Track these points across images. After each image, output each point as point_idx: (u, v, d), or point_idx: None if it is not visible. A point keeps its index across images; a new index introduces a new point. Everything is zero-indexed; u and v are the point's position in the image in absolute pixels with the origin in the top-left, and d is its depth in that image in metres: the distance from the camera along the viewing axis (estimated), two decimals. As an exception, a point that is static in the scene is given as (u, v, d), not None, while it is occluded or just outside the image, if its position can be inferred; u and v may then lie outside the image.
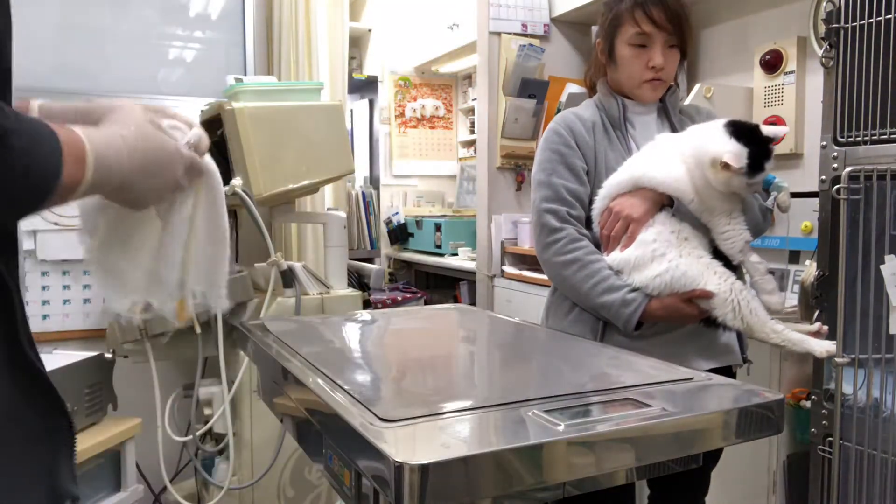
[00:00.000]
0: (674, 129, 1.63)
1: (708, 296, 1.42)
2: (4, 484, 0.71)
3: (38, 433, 0.76)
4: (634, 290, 1.45)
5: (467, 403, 0.85)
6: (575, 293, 1.53)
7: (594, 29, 2.10)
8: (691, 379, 0.99)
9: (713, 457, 1.66)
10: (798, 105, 2.44)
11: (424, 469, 0.67)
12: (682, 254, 1.44)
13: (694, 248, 1.46)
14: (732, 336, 1.63)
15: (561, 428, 0.77)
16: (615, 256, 1.48)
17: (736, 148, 1.37)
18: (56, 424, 0.78)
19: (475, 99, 4.30)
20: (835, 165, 1.47)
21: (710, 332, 1.55)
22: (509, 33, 3.15)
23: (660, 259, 1.43)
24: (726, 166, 1.36)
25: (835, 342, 1.38)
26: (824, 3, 1.49)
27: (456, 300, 4.11)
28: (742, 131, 1.40)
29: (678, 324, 1.49)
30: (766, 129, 1.42)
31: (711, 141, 1.41)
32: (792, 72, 2.43)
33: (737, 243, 1.48)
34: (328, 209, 2.96)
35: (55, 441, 0.78)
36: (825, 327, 1.43)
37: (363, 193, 4.17)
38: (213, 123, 2.24)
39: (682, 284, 1.43)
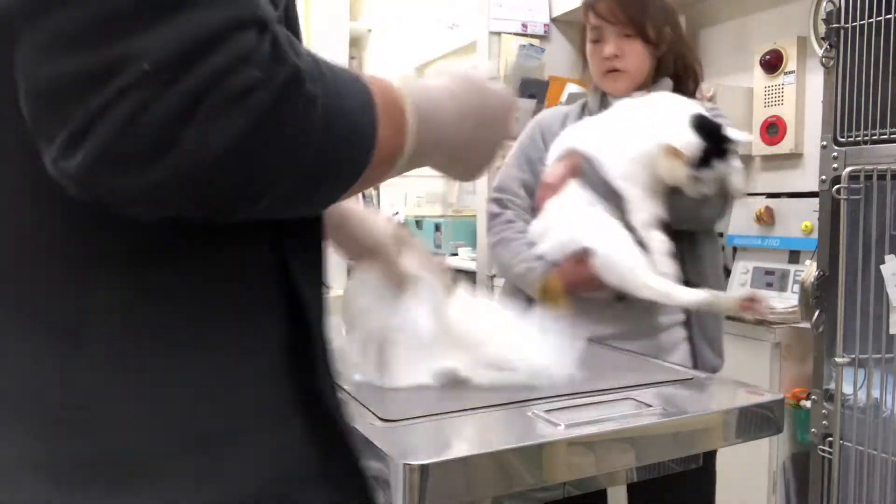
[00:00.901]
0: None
1: (588, 253, 1.34)
2: None
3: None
4: (539, 258, 1.44)
5: (467, 403, 0.85)
6: (503, 272, 1.59)
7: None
8: (691, 379, 0.99)
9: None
10: (798, 105, 2.44)
11: (424, 469, 0.67)
12: (583, 219, 1.39)
13: (599, 215, 1.38)
14: (684, 348, 1.49)
15: (561, 428, 0.77)
16: (531, 227, 1.49)
17: (691, 138, 1.31)
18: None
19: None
20: (835, 165, 1.47)
21: (659, 335, 1.46)
22: (509, 33, 3.14)
23: (561, 226, 1.41)
24: (676, 154, 1.31)
25: (707, 291, 1.31)
26: (824, 3, 1.49)
27: (456, 300, 4.10)
28: (703, 126, 1.34)
29: (590, 292, 1.40)
30: (730, 132, 1.36)
31: (669, 126, 1.35)
32: (792, 72, 2.43)
33: (639, 216, 1.37)
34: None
35: None
36: (757, 303, 1.28)
37: (363, 193, 4.17)
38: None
39: (572, 247, 1.37)
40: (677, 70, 1.59)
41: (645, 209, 1.37)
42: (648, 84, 1.56)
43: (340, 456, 0.56)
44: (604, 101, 1.59)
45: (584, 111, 1.62)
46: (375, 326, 0.95)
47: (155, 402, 0.49)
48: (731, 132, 1.35)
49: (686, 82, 1.61)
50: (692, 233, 1.46)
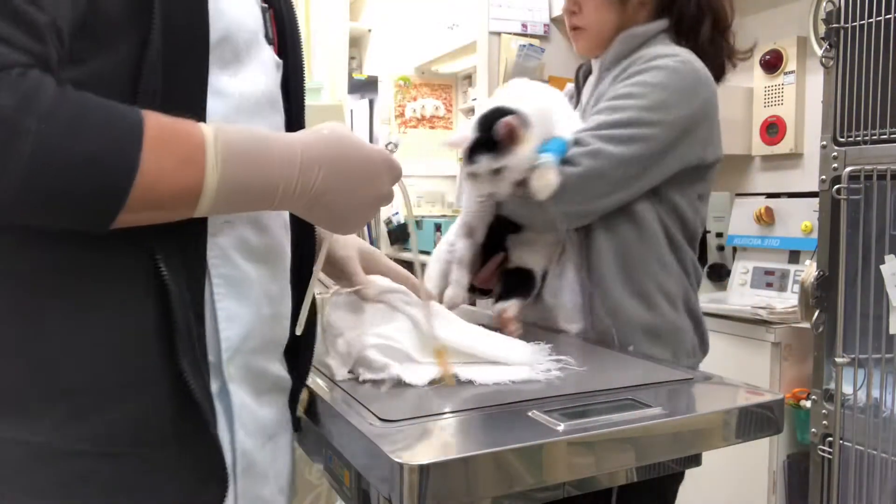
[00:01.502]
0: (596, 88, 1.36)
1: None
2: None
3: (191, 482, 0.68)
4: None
5: (467, 404, 0.85)
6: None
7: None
8: (691, 379, 0.99)
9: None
10: (798, 105, 2.44)
11: (424, 469, 0.67)
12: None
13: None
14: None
15: (561, 428, 0.77)
16: None
17: (466, 131, 1.17)
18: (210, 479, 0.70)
19: (475, 99, 4.30)
20: (835, 165, 1.47)
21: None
22: (509, 33, 3.15)
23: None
24: (451, 147, 1.26)
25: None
26: (824, 3, 1.49)
27: (456, 300, 4.10)
28: (488, 117, 1.16)
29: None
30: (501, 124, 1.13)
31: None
32: (792, 72, 2.43)
33: (459, 221, 1.30)
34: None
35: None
36: (511, 325, 1.21)
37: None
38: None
39: None
40: (681, 11, 1.32)
41: (466, 213, 1.29)
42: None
43: (195, 423, 0.67)
44: (585, 72, 1.44)
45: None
46: (354, 341, 0.95)
47: (30, 357, 0.62)
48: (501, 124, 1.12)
49: (693, 27, 1.33)
50: (587, 226, 1.24)
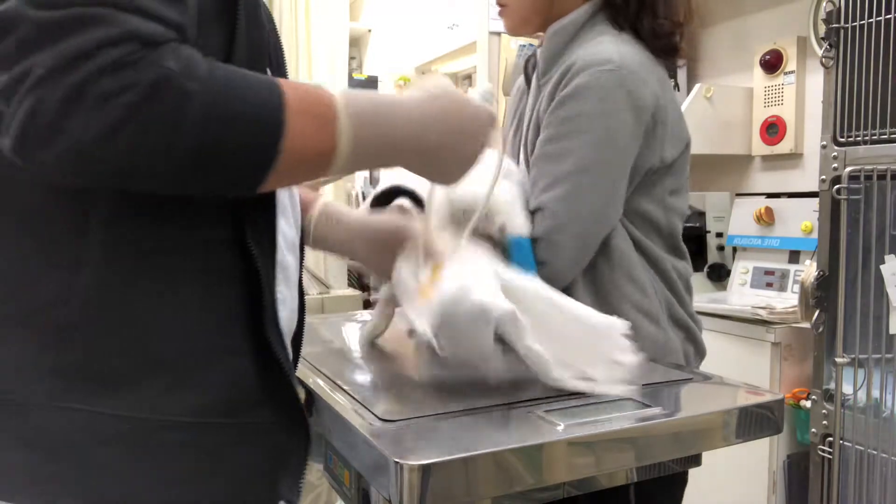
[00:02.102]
0: (532, 103, 1.23)
1: None
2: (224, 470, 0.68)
3: (273, 430, 0.72)
4: None
5: (467, 404, 0.85)
6: None
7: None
8: (691, 379, 0.99)
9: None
10: (798, 105, 2.44)
11: (424, 469, 0.67)
12: None
13: None
14: None
15: (561, 428, 0.77)
16: None
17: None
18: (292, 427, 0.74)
19: (475, 99, 4.29)
20: (835, 165, 1.47)
21: None
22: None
23: None
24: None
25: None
26: (824, 3, 1.49)
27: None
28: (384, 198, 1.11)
29: None
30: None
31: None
32: (792, 72, 2.43)
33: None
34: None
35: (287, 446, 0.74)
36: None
37: (363, 193, 4.17)
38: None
39: None
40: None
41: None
42: (558, 16, 1.19)
43: (281, 388, 0.72)
44: (534, 65, 1.27)
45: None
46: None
47: (130, 329, 0.65)
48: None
49: (630, 14, 1.17)
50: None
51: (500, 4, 1.24)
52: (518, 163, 1.24)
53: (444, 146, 0.74)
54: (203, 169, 0.60)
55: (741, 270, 2.41)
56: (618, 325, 0.91)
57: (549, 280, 0.97)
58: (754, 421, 0.90)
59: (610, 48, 1.11)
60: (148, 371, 0.65)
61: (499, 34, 3.15)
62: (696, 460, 0.96)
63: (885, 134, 1.40)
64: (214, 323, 0.68)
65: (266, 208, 0.72)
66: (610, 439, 0.79)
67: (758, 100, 2.54)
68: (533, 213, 1.12)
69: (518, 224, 1.08)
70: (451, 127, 0.73)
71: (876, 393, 1.41)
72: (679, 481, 1.20)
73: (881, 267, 1.39)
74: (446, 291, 0.84)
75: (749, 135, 2.57)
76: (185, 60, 0.58)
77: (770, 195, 2.45)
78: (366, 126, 0.67)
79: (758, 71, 2.53)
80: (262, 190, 0.64)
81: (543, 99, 1.16)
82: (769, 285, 2.32)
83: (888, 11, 1.38)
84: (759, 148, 2.53)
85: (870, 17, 1.40)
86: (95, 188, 0.63)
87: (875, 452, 1.41)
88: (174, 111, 0.56)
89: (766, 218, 2.35)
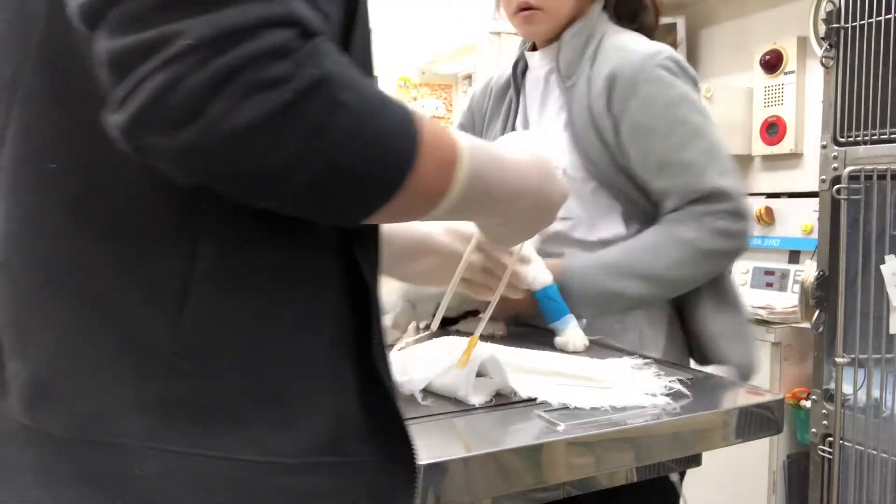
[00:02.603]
0: (567, 98, 1.22)
1: None
2: None
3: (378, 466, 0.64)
4: None
5: (467, 404, 0.85)
6: None
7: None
8: (691, 379, 0.99)
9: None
10: (798, 105, 2.44)
11: (425, 469, 0.67)
12: None
13: None
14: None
15: (561, 428, 0.77)
16: None
17: None
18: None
19: (475, 99, 4.30)
20: (835, 165, 1.47)
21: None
22: (509, 33, 3.15)
23: None
24: None
25: None
26: (824, 3, 1.49)
27: (456, 300, 4.09)
28: None
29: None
30: None
31: None
32: (792, 72, 2.43)
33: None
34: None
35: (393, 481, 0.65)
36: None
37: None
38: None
39: None
40: None
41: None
42: (574, 19, 1.21)
43: (389, 418, 0.64)
44: (523, 64, 1.30)
45: (510, 78, 1.32)
46: None
47: (243, 360, 0.58)
48: None
49: (630, 9, 1.25)
50: None
51: (531, 8, 1.19)
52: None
53: (528, 217, 0.73)
54: (322, 189, 0.53)
55: (741, 270, 2.42)
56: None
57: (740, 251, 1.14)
58: (754, 421, 0.90)
59: (642, 41, 1.20)
60: (258, 406, 0.58)
61: (499, 34, 3.15)
62: (696, 460, 0.96)
63: (885, 134, 1.40)
64: (324, 352, 0.61)
65: (375, 228, 0.65)
66: (610, 439, 0.79)
67: (758, 100, 2.54)
68: (701, 199, 1.14)
69: (542, 275, 1.08)
70: (540, 200, 0.72)
71: (876, 393, 1.41)
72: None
73: (881, 267, 1.39)
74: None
75: (749, 135, 2.57)
76: (341, 65, 0.51)
77: (770, 195, 2.45)
78: (477, 178, 0.62)
79: (758, 71, 2.53)
80: (362, 222, 0.59)
81: (594, 101, 1.17)
82: (769, 285, 2.32)
83: (888, 11, 1.38)
84: (759, 148, 2.53)
85: (870, 17, 1.40)
86: (207, 204, 0.55)
87: (875, 452, 1.41)
88: (322, 119, 0.49)
89: (766, 218, 2.35)
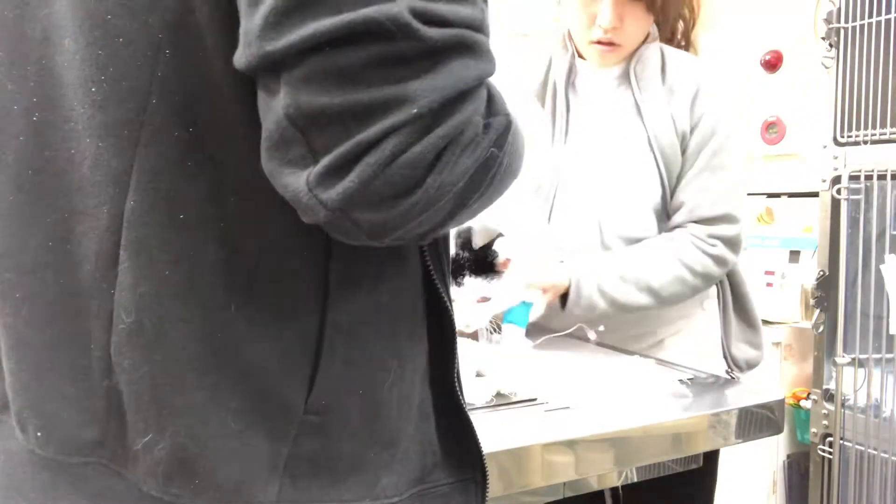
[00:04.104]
0: (637, 107, 1.29)
1: None
2: None
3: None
4: None
5: (467, 404, 0.85)
6: None
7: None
8: (692, 379, 0.99)
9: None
10: (798, 105, 2.44)
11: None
12: None
13: None
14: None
15: (561, 428, 0.77)
16: None
17: None
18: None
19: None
20: (835, 165, 1.47)
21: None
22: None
23: None
24: None
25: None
26: (824, 3, 1.49)
27: (456, 300, 4.09)
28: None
29: None
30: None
31: None
32: (792, 72, 2.43)
33: None
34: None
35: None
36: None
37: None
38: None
39: None
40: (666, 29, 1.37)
41: None
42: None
43: (464, 441, 0.63)
44: (573, 72, 1.34)
45: (546, 83, 1.36)
46: None
47: (365, 409, 0.56)
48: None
49: (678, 29, 1.41)
50: None
51: (609, 43, 1.24)
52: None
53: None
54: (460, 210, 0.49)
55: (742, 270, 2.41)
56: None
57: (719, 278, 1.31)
58: (754, 421, 0.90)
59: (703, 62, 1.36)
60: (374, 451, 0.57)
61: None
62: (696, 460, 0.96)
63: (885, 134, 1.39)
64: (418, 386, 0.60)
65: (447, 254, 0.64)
66: (610, 439, 0.79)
67: (758, 100, 2.54)
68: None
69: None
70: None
71: (876, 393, 1.41)
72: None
73: (881, 267, 1.39)
74: None
75: (749, 135, 2.57)
76: (500, 99, 0.49)
77: (770, 195, 2.45)
78: None
79: (758, 71, 2.53)
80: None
81: (676, 111, 1.27)
82: (769, 285, 2.32)
83: (888, 11, 1.38)
84: (759, 148, 2.53)
85: (870, 17, 1.40)
86: (336, 259, 0.52)
87: (875, 452, 1.41)
88: (503, 162, 0.48)
89: (767, 218, 2.35)
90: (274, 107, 0.43)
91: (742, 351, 1.34)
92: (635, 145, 1.28)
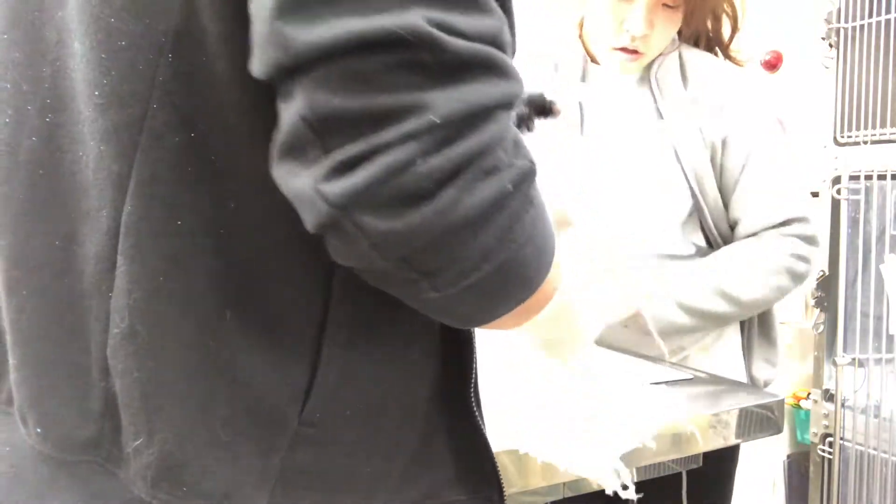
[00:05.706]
0: (658, 114, 1.26)
1: None
2: None
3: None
4: None
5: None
6: None
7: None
8: (691, 379, 0.99)
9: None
10: (798, 105, 2.44)
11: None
12: None
13: None
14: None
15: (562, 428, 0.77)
16: None
17: None
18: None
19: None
20: (835, 166, 1.47)
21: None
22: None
23: None
24: None
25: None
26: (824, 3, 1.49)
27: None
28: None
29: None
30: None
31: None
32: (792, 72, 2.43)
33: None
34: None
35: None
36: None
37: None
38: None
39: None
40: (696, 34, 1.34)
41: None
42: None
43: (479, 458, 0.62)
44: (585, 76, 1.30)
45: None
46: None
47: (363, 422, 0.55)
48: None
49: (703, 32, 1.36)
50: None
51: (634, 52, 1.21)
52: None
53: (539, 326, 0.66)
54: (486, 287, 0.47)
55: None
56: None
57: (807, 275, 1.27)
58: (754, 421, 0.90)
59: (725, 62, 1.40)
60: (371, 465, 0.56)
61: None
62: (696, 460, 0.96)
63: (885, 134, 1.39)
64: (425, 402, 0.59)
65: None
66: (609, 439, 0.79)
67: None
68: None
69: None
70: (550, 331, 0.67)
71: (876, 393, 1.41)
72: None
73: (881, 267, 1.39)
74: None
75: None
76: (525, 151, 0.47)
77: (770, 195, 2.45)
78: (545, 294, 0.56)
79: (758, 71, 2.53)
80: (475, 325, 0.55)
81: (703, 121, 1.24)
82: (769, 285, 2.32)
83: (888, 11, 1.38)
84: (759, 148, 2.54)
85: (870, 17, 1.40)
86: (342, 270, 0.51)
87: (875, 452, 1.41)
88: (520, 213, 0.46)
89: (767, 218, 2.35)
90: (289, 109, 0.43)
91: (762, 371, 1.33)
92: (660, 157, 1.23)
